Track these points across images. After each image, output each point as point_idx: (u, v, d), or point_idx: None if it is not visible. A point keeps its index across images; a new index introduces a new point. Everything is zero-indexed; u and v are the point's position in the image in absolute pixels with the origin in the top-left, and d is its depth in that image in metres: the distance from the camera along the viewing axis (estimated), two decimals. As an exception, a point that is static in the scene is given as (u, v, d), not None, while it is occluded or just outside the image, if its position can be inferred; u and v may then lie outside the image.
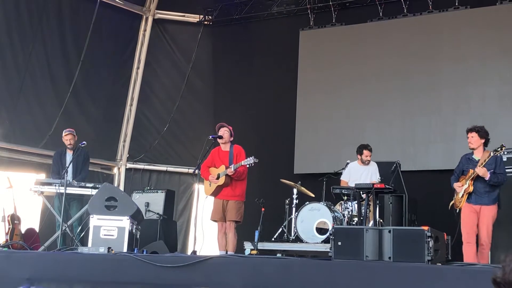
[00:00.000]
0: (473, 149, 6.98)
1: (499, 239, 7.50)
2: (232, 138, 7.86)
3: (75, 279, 6.24)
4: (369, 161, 8.93)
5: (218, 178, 7.56)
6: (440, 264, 5.61)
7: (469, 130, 6.98)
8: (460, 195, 6.90)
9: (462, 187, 6.88)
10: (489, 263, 6.66)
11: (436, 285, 4.84)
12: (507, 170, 7.51)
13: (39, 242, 8.43)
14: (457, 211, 6.97)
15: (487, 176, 6.67)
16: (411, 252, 5.42)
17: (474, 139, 6.91)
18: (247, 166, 7.41)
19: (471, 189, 6.80)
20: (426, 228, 5.42)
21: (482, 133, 6.90)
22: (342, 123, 11.37)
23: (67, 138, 8.92)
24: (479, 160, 6.88)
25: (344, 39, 11.73)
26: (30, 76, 10.82)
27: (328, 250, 6.22)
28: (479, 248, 6.71)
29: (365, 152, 8.92)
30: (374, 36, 11.38)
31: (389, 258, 5.49)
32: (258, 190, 9.87)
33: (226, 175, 7.48)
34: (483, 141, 6.89)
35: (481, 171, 6.68)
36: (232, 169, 7.43)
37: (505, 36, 10.24)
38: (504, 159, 7.73)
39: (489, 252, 6.73)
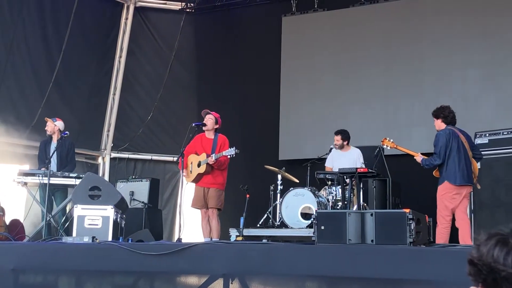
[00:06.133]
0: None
1: (482, 220, 7.58)
2: (218, 126, 7.84)
3: (60, 269, 6.24)
4: (338, 145, 8.88)
5: (199, 166, 7.56)
6: (422, 246, 5.67)
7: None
8: None
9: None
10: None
11: (418, 267, 4.89)
12: (486, 151, 7.59)
13: (24, 233, 8.40)
14: None
15: (419, 160, 7.02)
16: (393, 235, 5.46)
17: (436, 123, 7.04)
18: (228, 157, 7.43)
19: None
20: (407, 210, 5.46)
21: (436, 112, 7.01)
22: (326, 108, 11.40)
23: (47, 125, 8.94)
24: None
25: (327, 24, 11.73)
26: (11, 67, 10.70)
27: (312, 234, 6.26)
28: None
29: (335, 137, 8.94)
30: (356, 21, 11.38)
31: (372, 241, 5.52)
32: (243, 177, 9.91)
33: (207, 163, 7.49)
34: (439, 120, 6.97)
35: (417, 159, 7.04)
36: (213, 159, 7.43)
37: (486, 18, 10.29)
38: (486, 141, 7.79)
39: (444, 232, 6.73)
